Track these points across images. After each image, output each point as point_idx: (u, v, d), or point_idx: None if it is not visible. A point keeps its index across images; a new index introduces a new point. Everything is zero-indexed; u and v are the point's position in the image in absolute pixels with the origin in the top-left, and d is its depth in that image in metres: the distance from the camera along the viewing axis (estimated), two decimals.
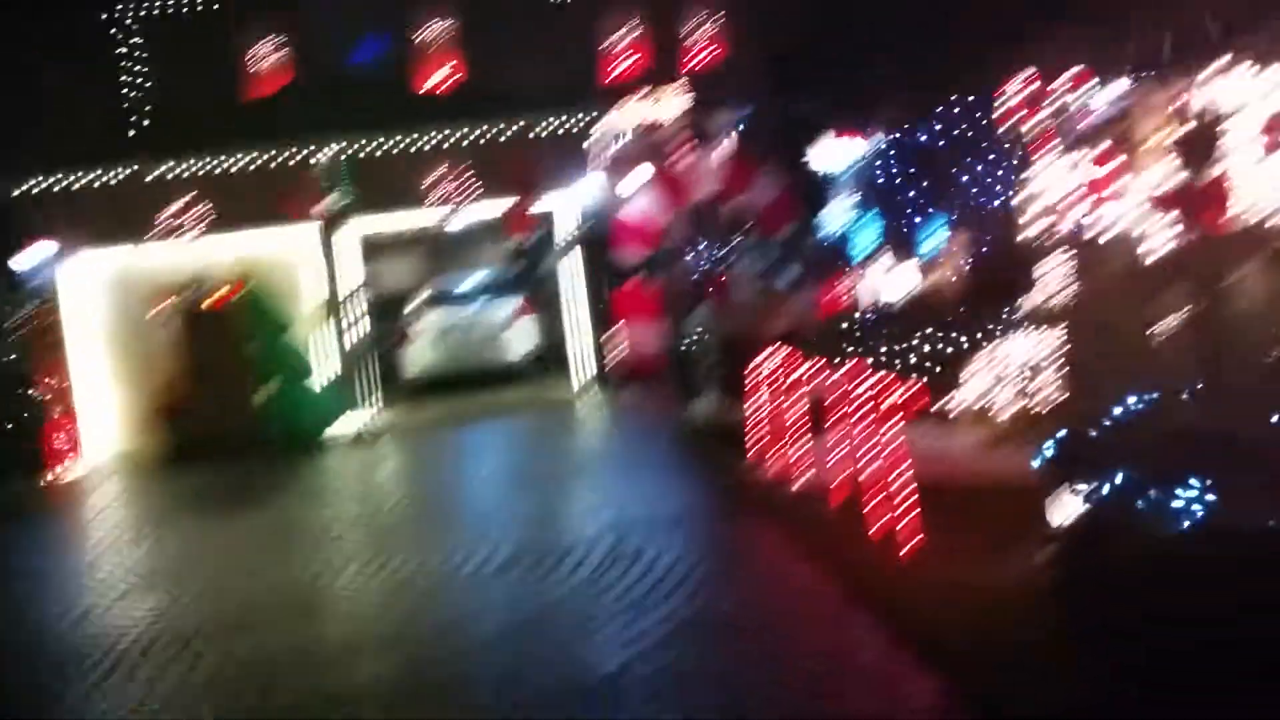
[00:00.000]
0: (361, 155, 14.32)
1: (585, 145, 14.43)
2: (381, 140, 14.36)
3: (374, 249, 16.56)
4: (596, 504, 8.78)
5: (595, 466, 10.84)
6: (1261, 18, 6.77)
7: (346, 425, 13.65)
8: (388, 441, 13.29)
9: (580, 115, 14.64)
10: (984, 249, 10.44)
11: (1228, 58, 6.31)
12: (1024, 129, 8.17)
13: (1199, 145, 6.34)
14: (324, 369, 14.13)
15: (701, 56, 20.75)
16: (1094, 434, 4.65)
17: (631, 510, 8.19)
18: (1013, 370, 7.85)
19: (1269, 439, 4.22)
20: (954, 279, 10.79)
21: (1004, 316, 8.79)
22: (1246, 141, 6.28)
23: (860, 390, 6.56)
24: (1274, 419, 4.40)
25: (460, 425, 14.06)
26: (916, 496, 5.94)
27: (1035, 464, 4.84)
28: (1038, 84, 8.06)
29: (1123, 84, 7.30)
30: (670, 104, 14.78)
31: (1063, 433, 4.81)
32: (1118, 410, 4.59)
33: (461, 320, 16.05)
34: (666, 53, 20.69)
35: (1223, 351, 5.52)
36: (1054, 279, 8.14)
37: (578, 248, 14.84)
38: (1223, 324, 5.86)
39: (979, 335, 8.89)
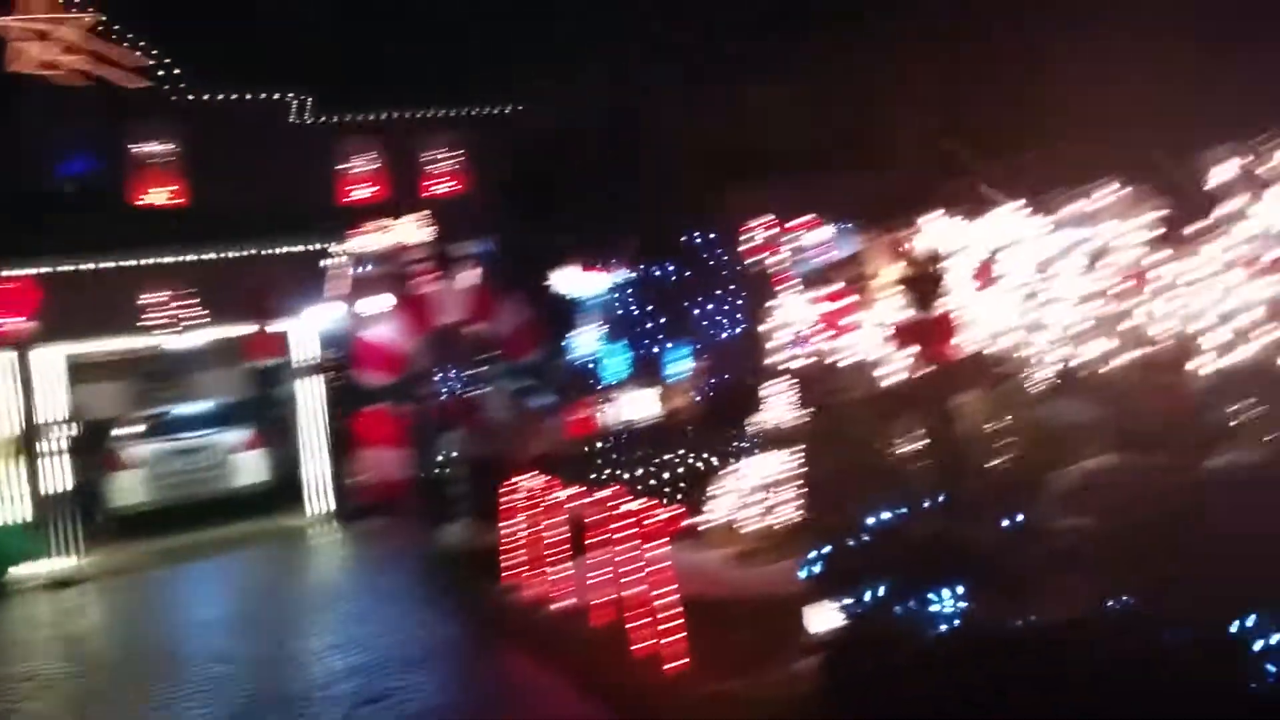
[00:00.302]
0: (71, 276, 13.23)
1: (324, 269, 14.08)
2: (93, 261, 13.35)
3: (84, 374, 15.17)
4: (340, 644, 8.18)
5: (336, 602, 10.16)
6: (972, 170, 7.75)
7: (39, 569, 12.14)
8: (91, 585, 11.87)
9: (318, 240, 14.31)
10: (726, 374, 11.01)
11: (942, 210, 7.17)
12: (763, 266, 8.82)
13: (924, 284, 7.09)
14: (12, 505, 12.61)
15: (442, 186, 21.01)
16: (853, 546, 4.92)
17: (379, 648, 7.75)
18: (756, 487, 8.19)
19: (1004, 545, 4.63)
20: (698, 401, 11.26)
21: (746, 436, 9.22)
22: (964, 280, 7.11)
23: (618, 511, 6.63)
24: (1003, 525, 4.84)
25: (181, 563, 12.72)
26: (677, 613, 6.00)
27: (801, 576, 5.04)
28: (777, 229, 8.77)
29: (849, 230, 8.08)
30: (412, 231, 14.82)
31: (826, 546, 5.05)
32: (873, 523, 4.89)
33: (183, 448, 14.79)
34: (408, 181, 20.82)
35: (955, 466, 6.06)
36: (790, 401, 8.69)
37: (316, 373, 14.28)
38: (953, 441, 6.45)
39: (724, 454, 9.25)
